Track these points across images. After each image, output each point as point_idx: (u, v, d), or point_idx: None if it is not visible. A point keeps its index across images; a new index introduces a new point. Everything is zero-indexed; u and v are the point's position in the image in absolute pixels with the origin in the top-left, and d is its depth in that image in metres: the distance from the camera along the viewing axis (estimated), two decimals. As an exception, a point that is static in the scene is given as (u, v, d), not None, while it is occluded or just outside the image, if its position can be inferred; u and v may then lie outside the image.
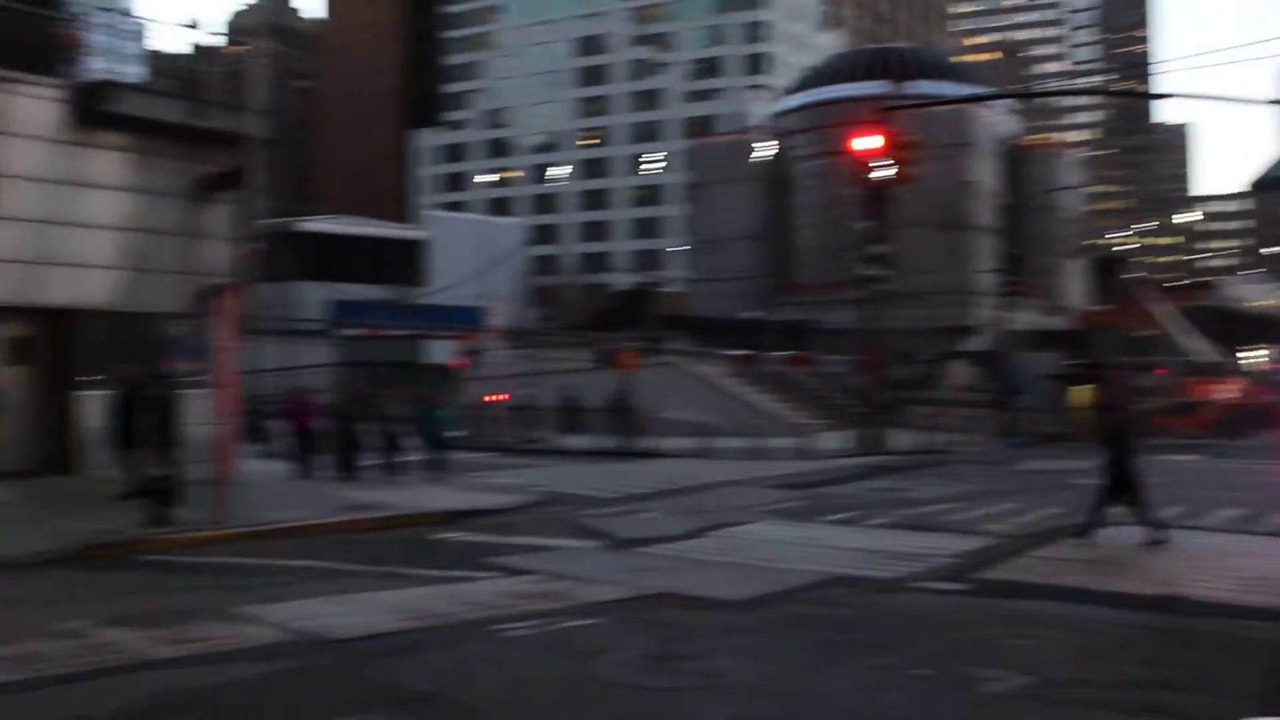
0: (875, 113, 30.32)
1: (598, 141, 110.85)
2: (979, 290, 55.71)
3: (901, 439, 31.87)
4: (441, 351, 43.15)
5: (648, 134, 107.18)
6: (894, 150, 29.03)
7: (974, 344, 51.94)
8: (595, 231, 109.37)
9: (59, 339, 18.06)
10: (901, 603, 10.67)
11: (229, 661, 8.10)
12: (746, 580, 11.56)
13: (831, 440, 32.13)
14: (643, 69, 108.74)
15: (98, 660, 7.98)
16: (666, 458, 28.57)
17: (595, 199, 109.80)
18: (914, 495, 19.85)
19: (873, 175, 30.82)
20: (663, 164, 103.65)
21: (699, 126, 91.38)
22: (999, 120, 64.86)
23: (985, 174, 59.46)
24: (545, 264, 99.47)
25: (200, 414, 17.18)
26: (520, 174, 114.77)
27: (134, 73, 21.61)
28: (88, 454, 17.50)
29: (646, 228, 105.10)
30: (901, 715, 7.17)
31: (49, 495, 15.59)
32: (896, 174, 29.97)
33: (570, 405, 35.93)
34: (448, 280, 55.17)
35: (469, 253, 62.62)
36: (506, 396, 35.19)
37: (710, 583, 11.38)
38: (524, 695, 7.37)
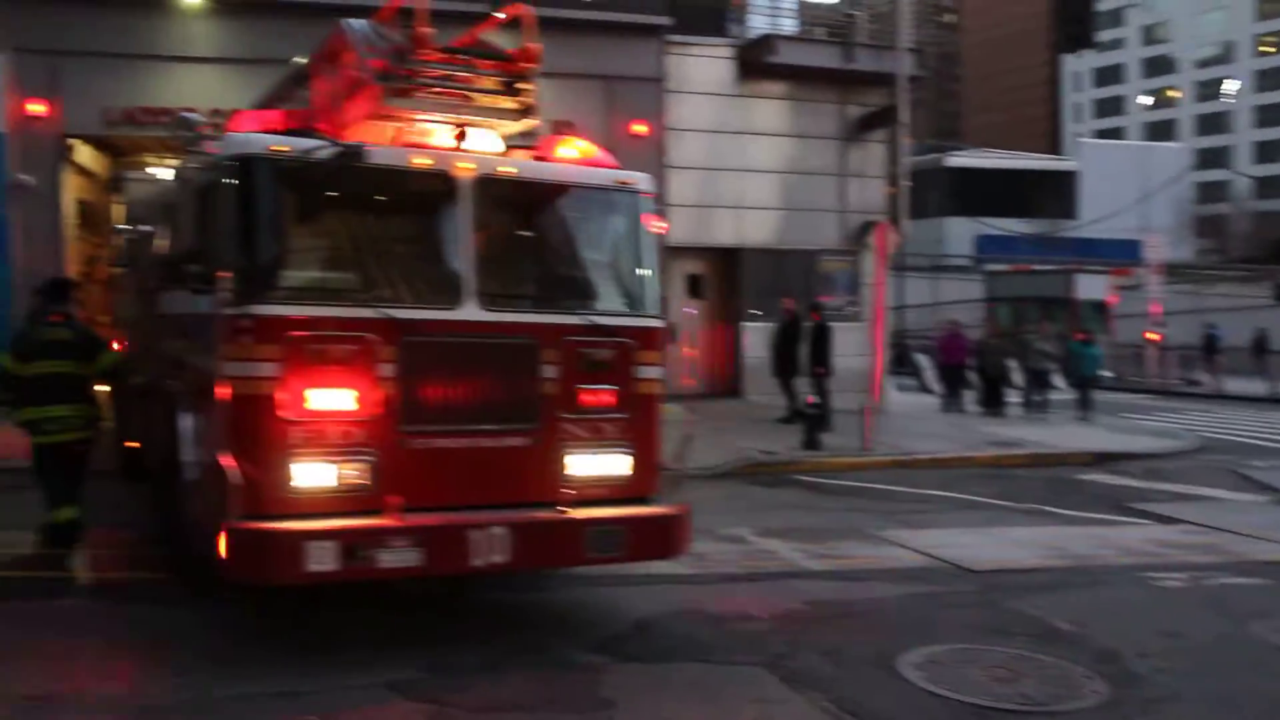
0: None
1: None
2: None
3: None
4: (1092, 287, 40.79)
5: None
6: None
7: None
8: (1273, 152, 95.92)
9: (726, 275, 19.87)
10: None
11: (871, 579, 8.47)
12: None
13: None
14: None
15: (756, 565, 8.79)
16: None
17: (1274, 115, 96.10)
18: None
19: None
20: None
21: None
22: None
23: None
24: (1211, 191, 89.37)
25: (851, 346, 18.02)
26: (1181, 94, 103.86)
27: (789, 25, 22.92)
28: (751, 380, 19.16)
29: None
30: None
31: (719, 416, 17.24)
32: None
33: (1259, 345, 31.84)
34: (1101, 212, 51.89)
35: (1124, 182, 58.21)
36: (1159, 337, 32.46)
37: None
38: (1170, 649, 6.83)
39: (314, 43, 16.94)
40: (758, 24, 21.80)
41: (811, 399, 15.69)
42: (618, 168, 7.16)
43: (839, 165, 20.35)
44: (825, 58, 20.42)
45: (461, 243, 6.33)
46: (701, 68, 19.45)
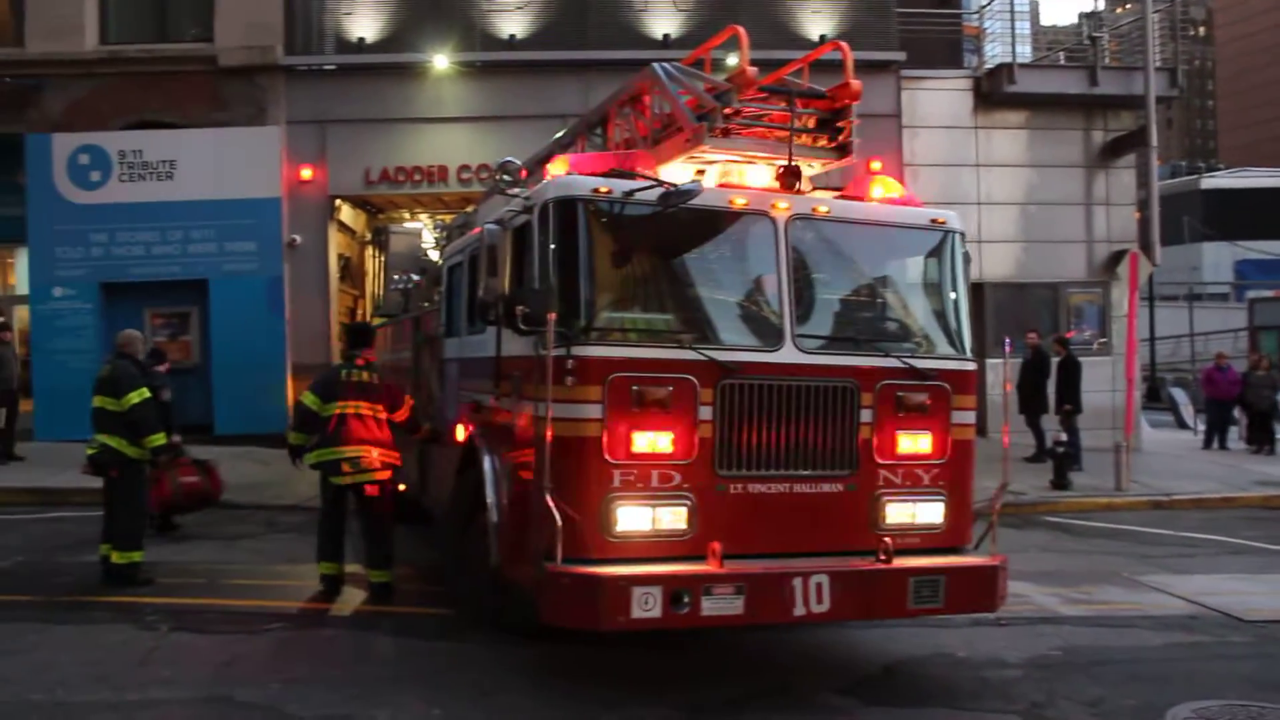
0: None
1: None
2: None
3: None
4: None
5: None
6: None
7: None
8: None
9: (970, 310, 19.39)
10: None
11: (1130, 626, 8.13)
12: None
13: None
14: None
15: (1007, 609, 8.52)
16: None
17: None
18: None
19: None
20: None
21: None
22: None
23: None
24: None
25: (1100, 381, 17.30)
26: None
27: (1026, 52, 22.37)
28: (994, 418, 18.61)
29: None
30: None
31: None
32: None
33: None
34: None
35: None
36: None
37: None
38: None
39: (552, 97, 17.90)
40: (993, 52, 21.37)
41: (1061, 436, 15.15)
42: (923, 205, 7.14)
43: (1084, 193, 19.61)
44: (1066, 83, 19.80)
45: (780, 284, 6.30)
46: (937, 101, 19.21)
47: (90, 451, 8.66)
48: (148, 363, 10.17)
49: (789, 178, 6.53)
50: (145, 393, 8.57)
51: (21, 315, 18.60)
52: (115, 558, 8.57)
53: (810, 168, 6.86)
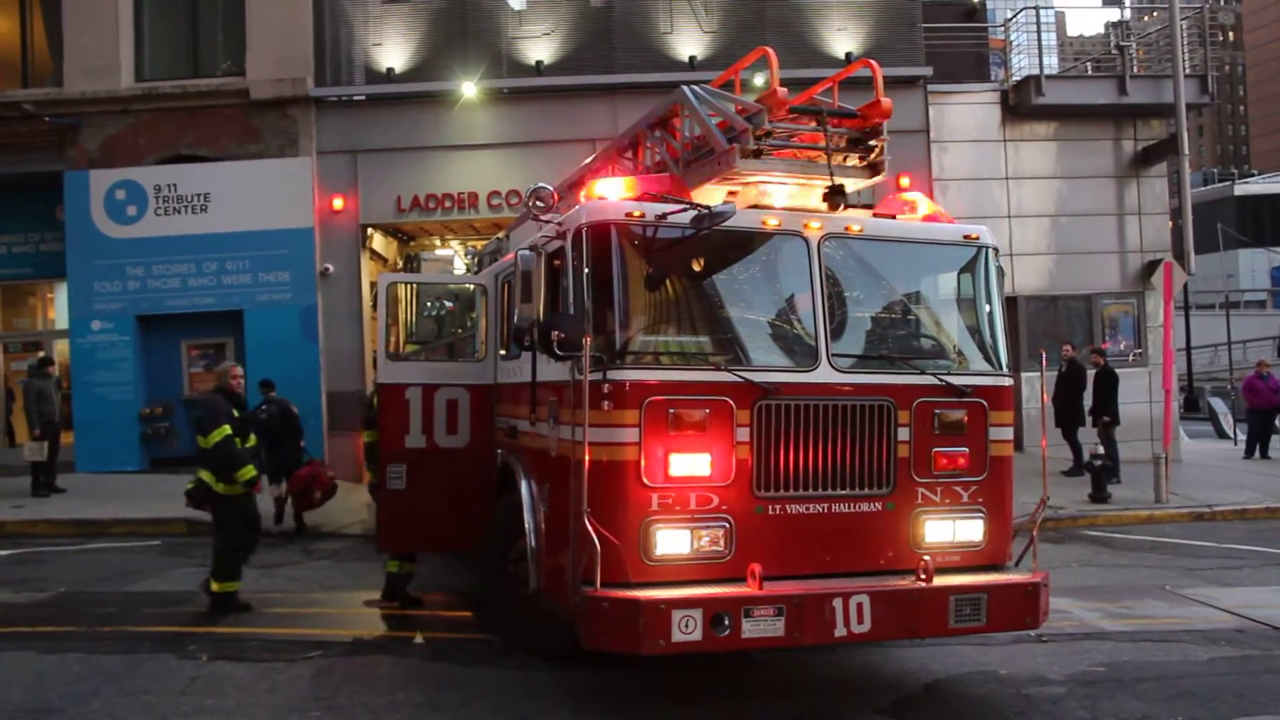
0: None
1: None
2: None
3: None
4: None
5: None
6: None
7: None
8: None
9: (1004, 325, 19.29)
10: None
11: (1175, 641, 8.01)
12: None
13: None
14: None
15: (1048, 624, 8.43)
16: None
17: None
18: None
19: None
20: None
21: None
22: None
23: None
24: None
25: (1137, 392, 17.14)
26: None
27: (1053, 63, 22.26)
28: (1030, 431, 18.47)
29: None
30: None
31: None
32: None
33: None
34: None
35: None
36: None
37: None
38: None
39: (580, 122, 17.97)
40: (1020, 64, 21.31)
41: (1098, 449, 15.01)
42: (954, 221, 7.12)
43: (1116, 203, 19.48)
44: (1095, 93, 19.72)
45: (814, 303, 6.29)
46: (965, 115, 19.17)
47: (188, 486, 9.04)
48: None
49: (834, 196, 6.51)
50: (227, 430, 8.78)
51: (61, 349, 18.89)
52: (214, 587, 8.87)
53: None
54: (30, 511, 13.96)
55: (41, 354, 17.94)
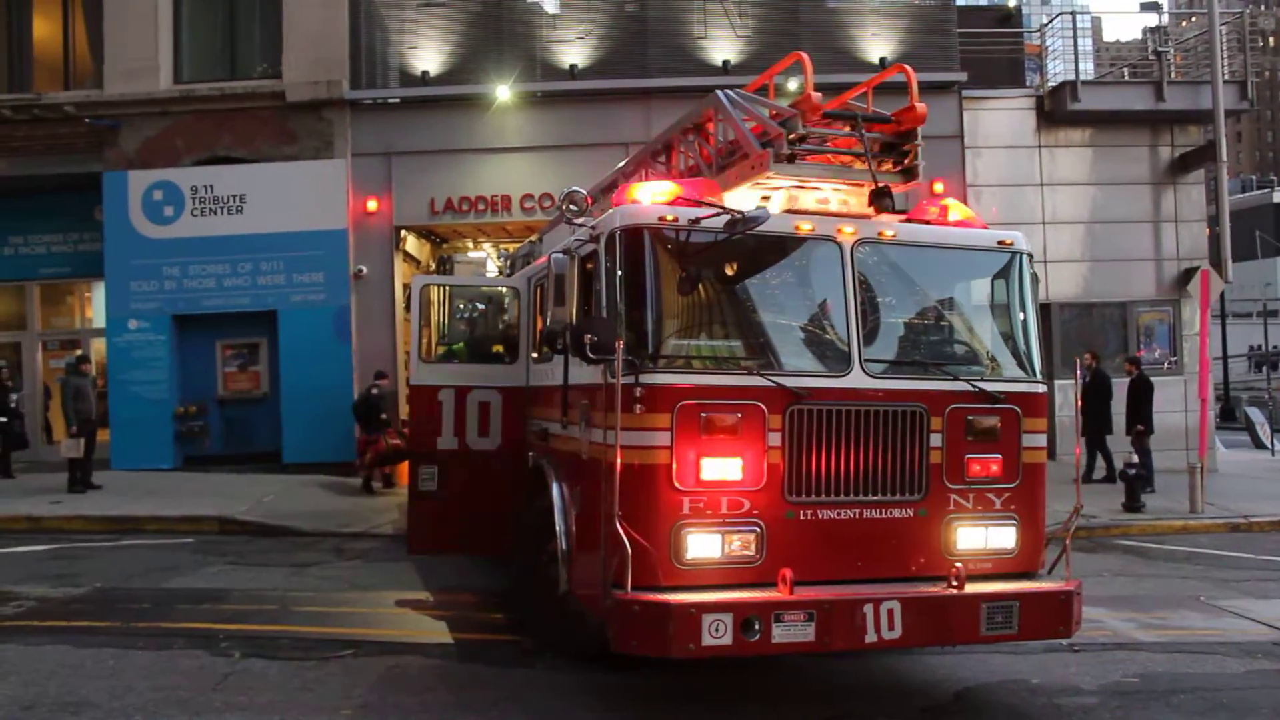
0: None
1: None
2: None
3: None
4: None
5: None
6: None
7: None
8: None
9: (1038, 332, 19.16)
10: None
11: (1210, 653, 7.92)
12: None
13: None
14: None
15: (1080, 634, 8.36)
16: None
17: None
18: None
19: None
20: None
21: None
22: None
23: None
24: None
25: (1171, 401, 16.96)
26: None
27: (1089, 69, 22.13)
28: (1062, 440, 18.32)
29: None
30: None
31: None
32: None
33: None
34: None
35: None
36: None
37: None
38: None
39: (614, 126, 18.01)
40: (1055, 70, 21.16)
41: (1131, 458, 14.87)
42: (988, 227, 7.08)
43: (1152, 210, 19.30)
44: (1132, 99, 19.53)
45: (846, 308, 6.27)
46: (999, 121, 19.05)
47: None
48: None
49: (880, 199, 6.47)
50: None
51: (99, 348, 19.11)
52: None
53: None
54: (66, 507, 14.13)
55: (79, 352, 18.16)
